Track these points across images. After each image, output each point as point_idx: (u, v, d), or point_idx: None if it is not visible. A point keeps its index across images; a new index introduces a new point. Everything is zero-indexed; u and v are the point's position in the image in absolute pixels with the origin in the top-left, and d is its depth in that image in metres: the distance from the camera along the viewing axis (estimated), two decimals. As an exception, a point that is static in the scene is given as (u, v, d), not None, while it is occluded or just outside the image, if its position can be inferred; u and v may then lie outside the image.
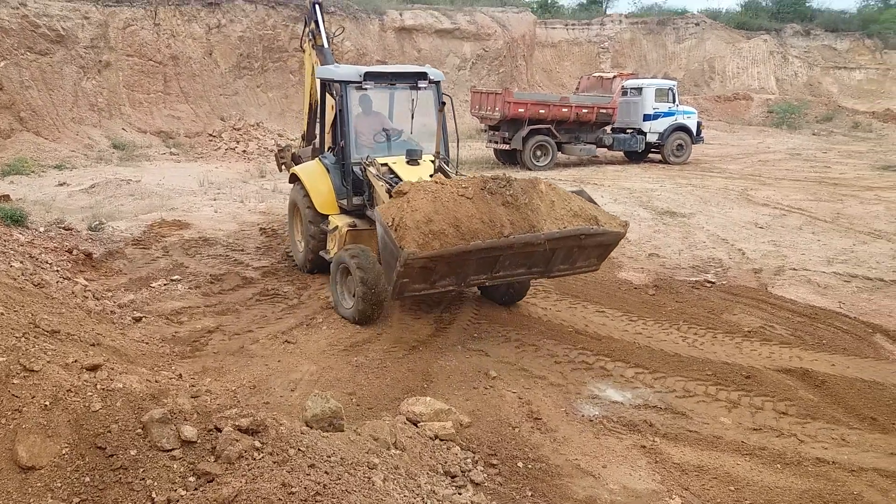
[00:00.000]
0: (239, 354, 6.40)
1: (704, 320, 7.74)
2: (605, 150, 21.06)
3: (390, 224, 5.63)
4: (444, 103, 7.65)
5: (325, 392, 4.55)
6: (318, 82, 9.13)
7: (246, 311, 7.60)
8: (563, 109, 19.67)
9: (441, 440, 4.76)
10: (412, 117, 8.23)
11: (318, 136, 9.42)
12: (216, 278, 8.57)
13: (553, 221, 5.99)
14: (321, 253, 8.36)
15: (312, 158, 9.20)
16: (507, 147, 19.59)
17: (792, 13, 44.50)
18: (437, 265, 5.68)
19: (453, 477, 4.40)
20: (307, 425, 3.93)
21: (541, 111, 19.39)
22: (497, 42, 31.97)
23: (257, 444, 3.23)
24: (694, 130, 21.38)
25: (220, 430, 3.25)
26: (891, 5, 49.63)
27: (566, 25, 41.46)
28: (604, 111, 20.06)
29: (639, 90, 21.24)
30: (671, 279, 9.26)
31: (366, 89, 7.89)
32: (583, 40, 41.20)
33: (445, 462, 4.51)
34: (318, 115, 9.30)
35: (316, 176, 8.50)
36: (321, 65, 9.36)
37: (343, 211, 8.15)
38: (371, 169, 7.52)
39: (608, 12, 45.68)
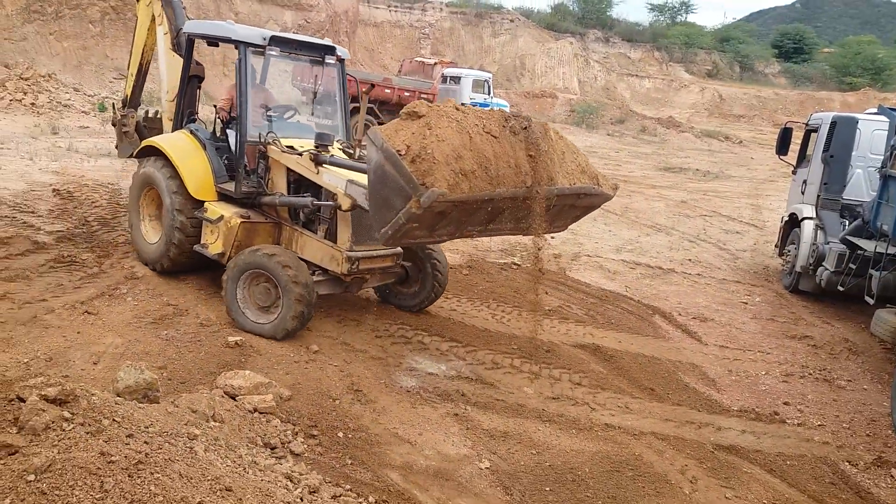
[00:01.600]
0: (31, 325, 5.82)
1: (511, 299, 8.29)
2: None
3: (404, 152, 4.60)
4: (372, 85, 7.23)
5: (139, 363, 4.32)
6: (161, 38, 8.10)
7: (38, 278, 6.90)
8: (387, 90, 19.83)
9: (261, 413, 4.71)
10: (314, 96, 7.50)
11: (162, 103, 8.27)
12: (1, 242, 7.68)
13: (565, 175, 5.32)
14: (196, 247, 7.01)
15: (174, 129, 7.73)
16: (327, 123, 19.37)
17: (595, 20, 48.22)
18: (454, 210, 4.85)
19: (273, 448, 4.40)
20: (119, 397, 3.72)
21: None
22: (320, 14, 31.38)
23: (66, 414, 3.02)
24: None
25: (23, 401, 3.00)
26: (678, 22, 55.54)
27: (389, 7, 41.66)
28: (425, 96, 20.53)
29: (457, 79, 21.99)
30: (482, 261, 9.79)
31: (269, 55, 6.92)
32: (405, 24, 41.66)
33: (265, 434, 4.49)
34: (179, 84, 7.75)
35: (188, 152, 7.15)
36: (173, 20, 8.02)
37: (222, 198, 7.02)
38: (274, 148, 6.68)
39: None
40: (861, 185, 10.05)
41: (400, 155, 4.63)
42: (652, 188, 18.23)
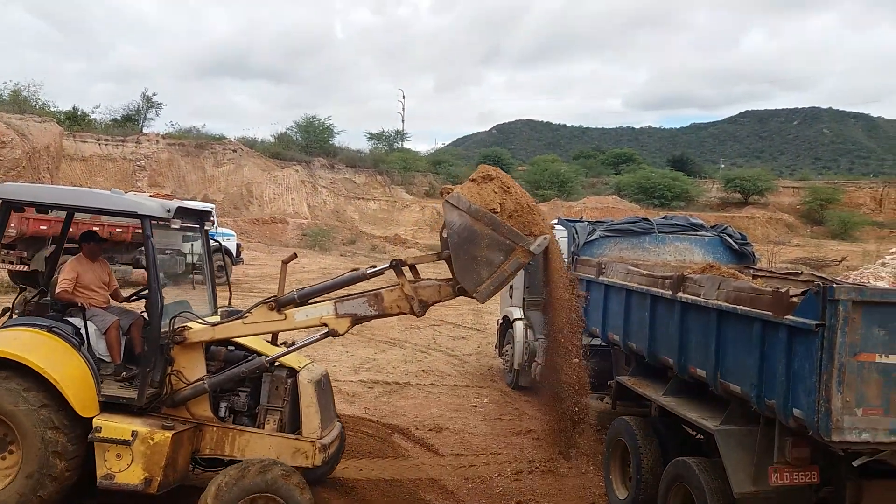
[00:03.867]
0: None
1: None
2: (144, 270, 20.12)
3: (499, 210, 5.38)
4: (220, 246, 6.29)
5: None
6: None
7: None
8: (95, 228, 18.29)
9: None
10: (193, 267, 6.49)
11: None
12: None
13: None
14: (101, 482, 5.33)
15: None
16: (26, 268, 17.22)
17: (318, 148, 50.15)
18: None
19: None
20: None
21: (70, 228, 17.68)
22: (14, 151, 28.51)
23: None
24: (234, 252, 22.02)
25: None
26: (395, 149, 59.90)
27: (98, 140, 39.30)
28: (140, 231, 19.28)
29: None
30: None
31: (173, 229, 6.03)
32: (117, 156, 39.49)
33: None
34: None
35: (55, 355, 5.54)
36: None
37: (108, 408, 5.53)
38: (197, 327, 5.69)
39: (144, 131, 44.86)
40: (559, 285, 11.31)
41: (495, 213, 5.29)
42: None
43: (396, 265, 5.61)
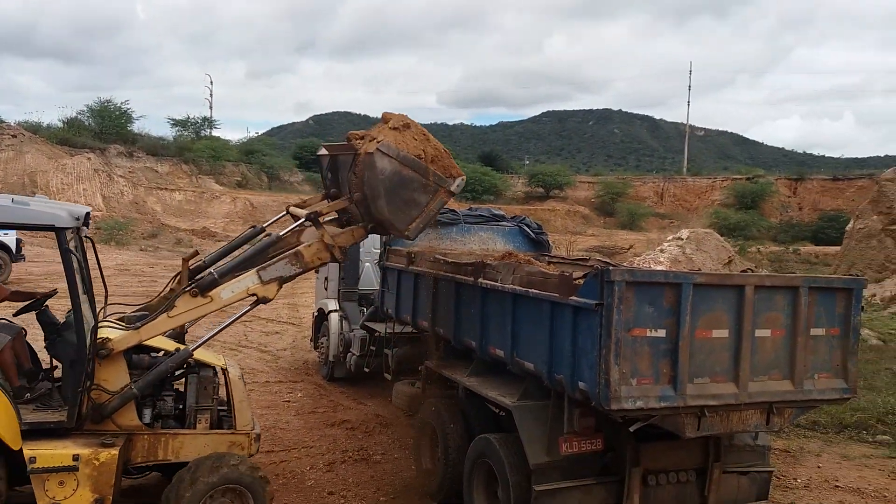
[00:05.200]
0: None
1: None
2: None
3: (422, 157, 5.86)
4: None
5: None
6: None
7: None
8: None
9: None
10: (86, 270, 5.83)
11: None
12: None
13: None
14: None
15: None
16: None
17: (114, 135, 46.21)
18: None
19: None
20: None
21: None
22: None
23: None
24: (14, 248, 19.78)
25: None
26: (202, 137, 56.78)
27: None
28: None
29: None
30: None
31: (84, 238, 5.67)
32: None
33: None
34: None
35: None
36: None
37: (27, 436, 5.05)
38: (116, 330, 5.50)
39: None
40: (371, 277, 11.41)
41: (420, 158, 5.83)
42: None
43: (314, 218, 5.88)
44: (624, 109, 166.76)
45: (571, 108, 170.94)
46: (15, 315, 6.02)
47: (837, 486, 7.49)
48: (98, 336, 5.33)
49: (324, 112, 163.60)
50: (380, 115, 6.45)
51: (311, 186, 55.43)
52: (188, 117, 59.56)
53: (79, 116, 47.83)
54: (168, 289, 6.18)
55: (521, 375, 5.90)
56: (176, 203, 43.37)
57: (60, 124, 46.73)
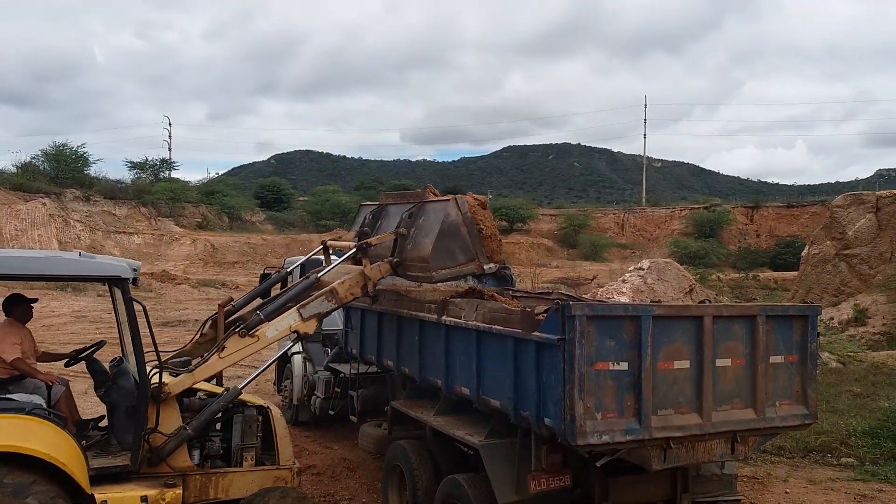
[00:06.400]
0: None
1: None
2: None
3: (483, 231, 6.59)
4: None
5: None
6: None
7: None
8: None
9: None
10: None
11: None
12: None
13: None
14: None
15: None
16: None
17: (71, 179, 45.46)
18: None
19: None
20: None
21: None
22: None
23: None
24: None
25: None
26: (161, 179, 56.16)
27: None
28: None
29: None
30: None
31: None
32: None
33: None
34: None
35: (50, 438, 5.13)
36: None
37: (102, 479, 5.33)
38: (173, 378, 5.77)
39: None
40: (335, 316, 11.26)
41: (479, 231, 6.49)
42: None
43: (364, 247, 6.64)
44: (583, 143, 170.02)
45: (532, 143, 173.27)
46: (66, 366, 6.39)
47: (805, 512, 7.53)
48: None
49: (285, 151, 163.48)
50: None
51: (273, 225, 55.10)
52: (146, 159, 59.11)
53: (33, 161, 47.09)
54: (199, 334, 6.63)
55: (488, 413, 5.86)
56: (135, 247, 42.62)
57: (14, 169, 45.86)
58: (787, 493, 8.04)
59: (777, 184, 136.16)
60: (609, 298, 14.70)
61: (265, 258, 44.46)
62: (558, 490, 5.43)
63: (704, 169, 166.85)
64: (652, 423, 4.90)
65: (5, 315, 6.16)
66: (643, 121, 75.28)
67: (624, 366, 4.87)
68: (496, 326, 5.43)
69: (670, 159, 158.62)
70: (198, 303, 29.13)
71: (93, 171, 48.86)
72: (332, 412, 9.59)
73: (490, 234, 6.68)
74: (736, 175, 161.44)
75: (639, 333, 4.87)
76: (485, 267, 6.57)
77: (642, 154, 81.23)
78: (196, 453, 5.86)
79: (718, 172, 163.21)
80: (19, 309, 6.14)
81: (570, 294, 9.57)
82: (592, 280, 34.03)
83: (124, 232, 43.19)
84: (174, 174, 60.76)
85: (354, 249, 6.70)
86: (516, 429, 5.48)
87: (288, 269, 12.18)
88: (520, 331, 5.11)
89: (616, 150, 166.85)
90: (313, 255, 8.12)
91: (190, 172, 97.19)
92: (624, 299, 15.12)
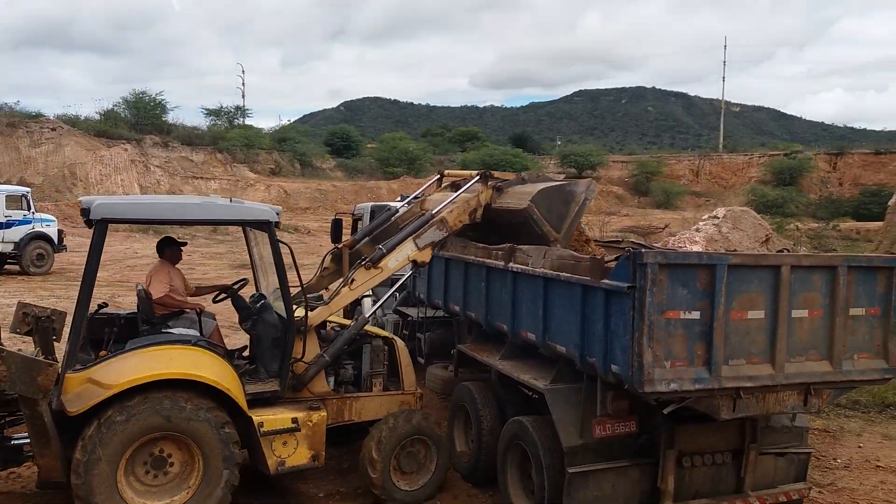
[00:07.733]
0: None
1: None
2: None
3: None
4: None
5: None
6: None
7: None
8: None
9: None
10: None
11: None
12: None
13: None
14: (280, 469, 5.84)
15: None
16: None
17: (150, 125, 46.97)
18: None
19: None
20: None
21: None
22: None
23: None
24: (55, 239, 20.30)
25: None
26: (235, 126, 57.38)
27: None
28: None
29: (-13, 197, 19.24)
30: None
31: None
32: None
33: None
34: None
35: (216, 368, 5.79)
36: None
37: (254, 403, 5.90)
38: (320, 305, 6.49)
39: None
40: (403, 261, 11.43)
41: (580, 226, 7.12)
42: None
43: (486, 173, 7.06)
44: (658, 87, 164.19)
45: (604, 87, 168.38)
46: (214, 302, 7.02)
47: (879, 466, 7.36)
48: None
49: (355, 98, 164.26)
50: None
51: (343, 172, 55.80)
52: (221, 107, 60.35)
53: (115, 108, 48.82)
54: (322, 268, 7.34)
55: (553, 358, 5.89)
56: (211, 192, 43.98)
57: (98, 117, 47.73)
58: (860, 447, 7.85)
59: (865, 129, 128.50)
60: (681, 247, 14.37)
61: (335, 204, 45.21)
62: (623, 436, 5.46)
63: (786, 114, 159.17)
64: (722, 373, 4.82)
65: (159, 256, 6.78)
66: (722, 63, 71.88)
67: (696, 314, 4.79)
68: (563, 273, 5.41)
69: (750, 104, 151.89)
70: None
71: (170, 117, 50.38)
72: (400, 354, 9.81)
73: (579, 237, 7.18)
74: (820, 120, 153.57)
75: (713, 282, 4.76)
76: (556, 244, 6.65)
77: (720, 98, 77.89)
78: (331, 380, 6.40)
79: (801, 117, 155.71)
80: (170, 250, 6.73)
81: (640, 242, 9.41)
82: (664, 229, 33.27)
83: (202, 177, 44.58)
84: (247, 121, 62.00)
85: (478, 177, 7.03)
86: (582, 374, 5.49)
87: (357, 215, 12.49)
88: (588, 278, 5.08)
89: (692, 94, 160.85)
90: (425, 188, 8.45)
91: (263, 119, 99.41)
92: (696, 248, 14.74)
